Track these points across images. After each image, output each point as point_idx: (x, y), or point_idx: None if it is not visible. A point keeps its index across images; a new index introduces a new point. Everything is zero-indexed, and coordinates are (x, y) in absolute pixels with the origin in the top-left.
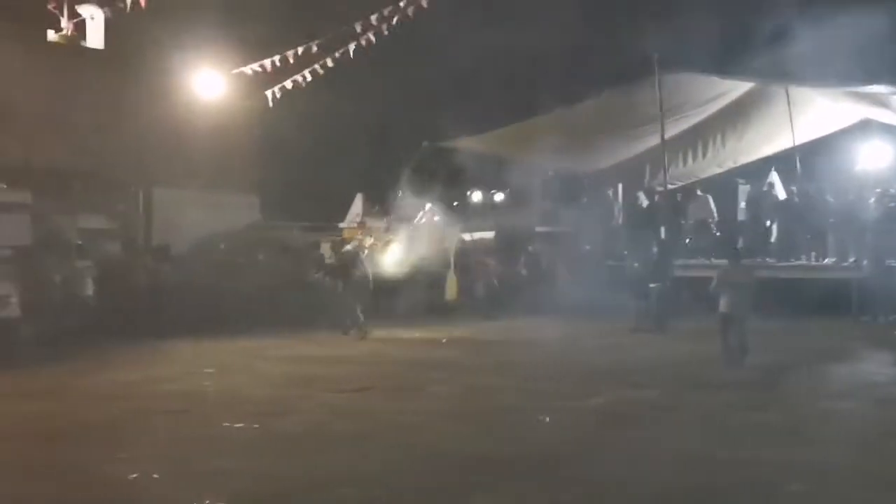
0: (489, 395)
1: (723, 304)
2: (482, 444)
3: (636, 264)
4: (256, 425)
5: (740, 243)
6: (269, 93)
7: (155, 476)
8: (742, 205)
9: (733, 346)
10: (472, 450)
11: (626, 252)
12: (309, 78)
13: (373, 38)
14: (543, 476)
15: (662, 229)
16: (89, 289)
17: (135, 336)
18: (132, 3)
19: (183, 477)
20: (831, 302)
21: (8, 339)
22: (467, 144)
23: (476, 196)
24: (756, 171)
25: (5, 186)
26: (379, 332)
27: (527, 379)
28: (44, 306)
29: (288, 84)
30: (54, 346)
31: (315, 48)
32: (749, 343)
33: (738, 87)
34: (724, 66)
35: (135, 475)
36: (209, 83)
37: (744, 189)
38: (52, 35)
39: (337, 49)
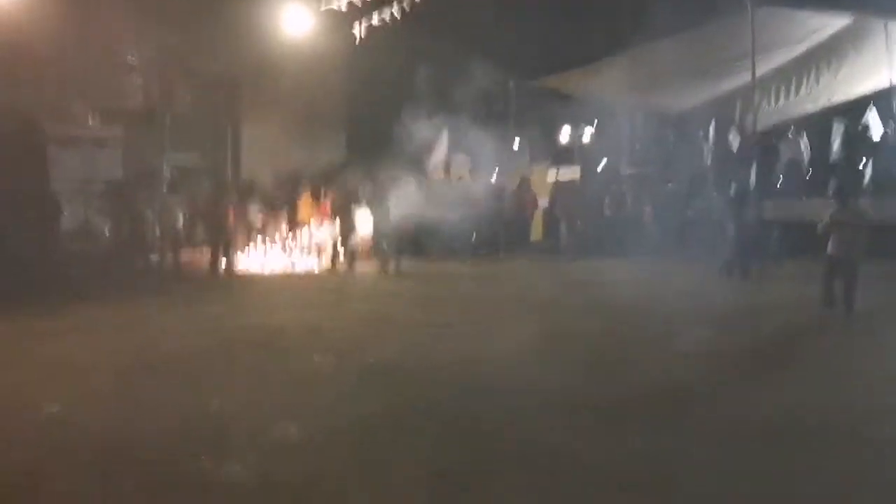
0: (572, 337)
1: (832, 246)
2: (570, 386)
3: (724, 206)
4: (336, 359)
5: (832, 184)
6: (356, 29)
7: (234, 406)
8: (836, 145)
9: (836, 293)
10: (557, 390)
11: (714, 193)
12: (397, 14)
13: None
14: (636, 418)
15: (753, 170)
16: (180, 223)
17: (223, 270)
18: None
19: (261, 408)
20: None
21: (100, 271)
22: (553, 83)
23: (562, 136)
24: (852, 110)
25: (97, 122)
26: (460, 270)
27: (611, 321)
28: (135, 240)
29: (375, 20)
30: (145, 279)
31: None
32: (857, 291)
33: (833, 23)
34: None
35: (213, 405)
36: (297, 19)
37: (838, 129)
38: None
39: None
